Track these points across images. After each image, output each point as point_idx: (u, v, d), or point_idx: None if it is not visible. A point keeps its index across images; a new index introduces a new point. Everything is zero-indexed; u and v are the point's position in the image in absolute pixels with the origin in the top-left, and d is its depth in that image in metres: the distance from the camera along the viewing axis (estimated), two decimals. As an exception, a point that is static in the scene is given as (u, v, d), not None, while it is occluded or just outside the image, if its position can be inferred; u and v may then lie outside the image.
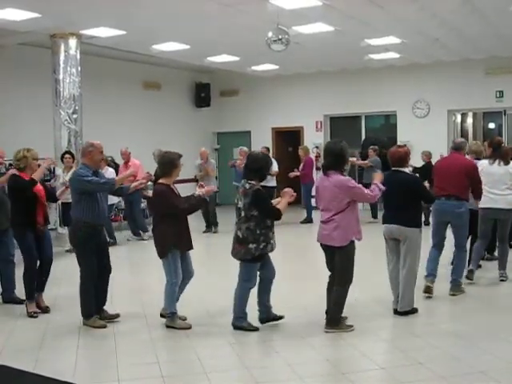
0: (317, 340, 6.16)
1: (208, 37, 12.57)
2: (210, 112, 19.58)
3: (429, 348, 5.84)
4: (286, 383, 5.07)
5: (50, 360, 5.71)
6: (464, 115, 19.29)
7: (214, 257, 11.34)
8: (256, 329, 6.36)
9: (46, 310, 7.24)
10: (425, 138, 15.74)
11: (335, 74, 17.60)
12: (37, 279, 7.20)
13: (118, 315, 6.89)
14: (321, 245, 6.40)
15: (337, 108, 17.95)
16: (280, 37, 10.23)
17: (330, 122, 18.71)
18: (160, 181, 6.56)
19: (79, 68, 12.26)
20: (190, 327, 6.49)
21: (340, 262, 6.22)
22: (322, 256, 6.44)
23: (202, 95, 19.21)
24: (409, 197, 6.69)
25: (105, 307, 6.89)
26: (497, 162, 8.10)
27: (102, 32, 11.91)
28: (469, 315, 6.95)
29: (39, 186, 7.16)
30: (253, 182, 6.22)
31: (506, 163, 8.08)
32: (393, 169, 6.88)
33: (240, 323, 6.35)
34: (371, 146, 15.35)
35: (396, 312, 6.82)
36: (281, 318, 6.54)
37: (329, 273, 6.45)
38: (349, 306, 6.42)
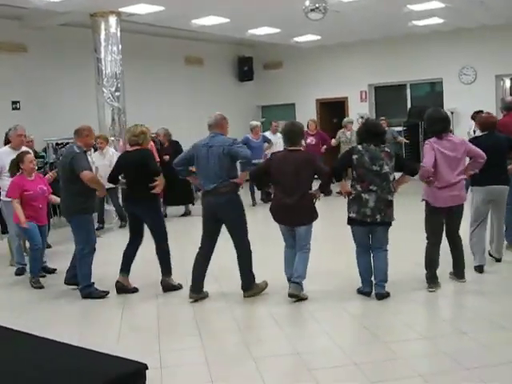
0: (357, 307, 6.14)
1: (247, 9, 12.47)
2: (254, 85, 19.52)
3: (473, 317, 5.76)
4: (325, 353, 5.02)
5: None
6: (513, 80, 18.77)
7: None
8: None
9: (135, 290, 6.90)
10: (472, 105, 15.28)
11: (378, 42, 17.28)
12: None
13: None
14: (442, 208, 6.41)
15: (381, 77, 17.66)
16: (317, 5, 10.13)
17: (375, 91, 18.45)
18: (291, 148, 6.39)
19: (120, 46, 12.35)
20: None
21: (459, 217, 6.55)
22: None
23: (245, 69, 19.14)
24: (505, 156, 7.06)
25: None
26: None
27: (141, 9, 11.93)
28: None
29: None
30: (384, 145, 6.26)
31: None
32: (486, 132, 7.11)
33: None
34: (381, 117, 15.20)
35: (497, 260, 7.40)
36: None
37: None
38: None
